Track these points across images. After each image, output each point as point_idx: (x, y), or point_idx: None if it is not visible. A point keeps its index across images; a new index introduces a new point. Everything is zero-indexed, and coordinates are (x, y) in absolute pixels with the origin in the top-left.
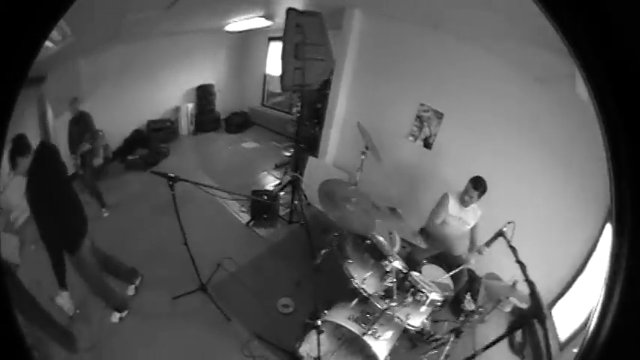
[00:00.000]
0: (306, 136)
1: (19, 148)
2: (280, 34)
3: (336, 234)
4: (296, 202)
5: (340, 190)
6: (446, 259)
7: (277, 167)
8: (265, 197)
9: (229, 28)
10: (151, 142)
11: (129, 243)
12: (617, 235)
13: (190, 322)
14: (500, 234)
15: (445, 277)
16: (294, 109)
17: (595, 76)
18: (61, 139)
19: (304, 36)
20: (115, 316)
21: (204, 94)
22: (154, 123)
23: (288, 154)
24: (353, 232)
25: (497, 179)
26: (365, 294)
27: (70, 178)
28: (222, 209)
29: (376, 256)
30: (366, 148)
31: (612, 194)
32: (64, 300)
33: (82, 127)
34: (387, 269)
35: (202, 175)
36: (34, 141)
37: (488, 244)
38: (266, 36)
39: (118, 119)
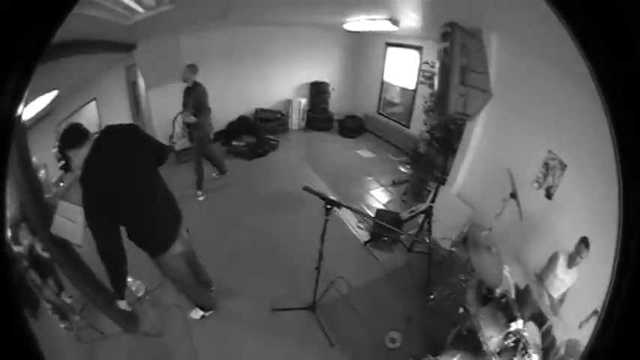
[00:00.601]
0: (430, 160)
1: (71, 139)
2: (399, 40)
3: (462, 277)
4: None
5: (480, 235)
6: None
7: (395, 184)
8: (391, 220)
9: (349, 26)
10: (260, 131)
11: (222, 237)
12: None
13: (285, 338)
14: None
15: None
16: (423, 131)
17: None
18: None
19: (469, 60)
20: (197, 313)
21: (317, 91)
22: (263, 112)
23: (404, 170)
24: (484, 281)
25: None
26: (485, 349)
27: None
28: (339, 221)
29: (507, 314)
30: (512, 195)
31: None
32: (131, 281)
33: (192, 98)
34: (511, 329)
35: (312, 176)
36: (122, 111)
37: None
38: (384, 40)
39: (223, 101)
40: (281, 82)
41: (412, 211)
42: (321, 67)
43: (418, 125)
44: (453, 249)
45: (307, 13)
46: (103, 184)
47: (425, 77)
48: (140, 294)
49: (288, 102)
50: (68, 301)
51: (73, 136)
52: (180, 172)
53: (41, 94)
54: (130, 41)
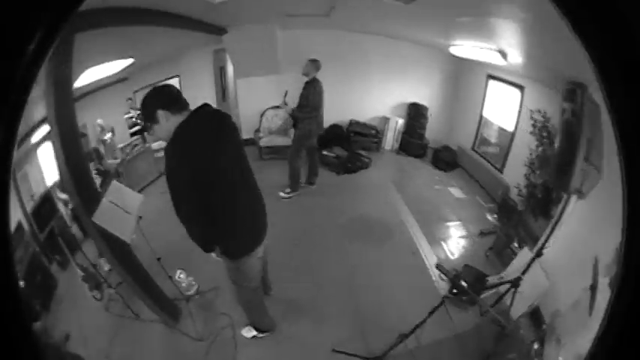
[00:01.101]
0: (523, 220)
1: (169, 100)
2: (501, 74)
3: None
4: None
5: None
6: None
7: (482, 235)
8: (475, 279)
9: (455, 50)
10: (352, 145)
11: (293, 251)
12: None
13: None
14: None
15: None
16: (521, 185)
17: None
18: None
19: (594, 132)
20: (250, 332)
21: (416, 113)
22: (358, 125)
23: (491, 219)
24: None
25: None
26: None
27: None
28: (422, 268)
29: None
30: (591, 287)
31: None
32: (183, 277)
33: (306, 93)
34: None
35: (402, 208)
36: (207, 94)
37: None
38: (485, 71)
39: None
40: (379, 96)
41: (501, 278)
42: (421, 88)
43: (511, 172)
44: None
45: (415, 27)
46: (198, 158)
47: (534, 127)
48: (190, 292)
49: (385, 119)
50: (106, 267)
51: (173, 97)
52: (261, 168)
53: (114, 59)
54: (220, 23)
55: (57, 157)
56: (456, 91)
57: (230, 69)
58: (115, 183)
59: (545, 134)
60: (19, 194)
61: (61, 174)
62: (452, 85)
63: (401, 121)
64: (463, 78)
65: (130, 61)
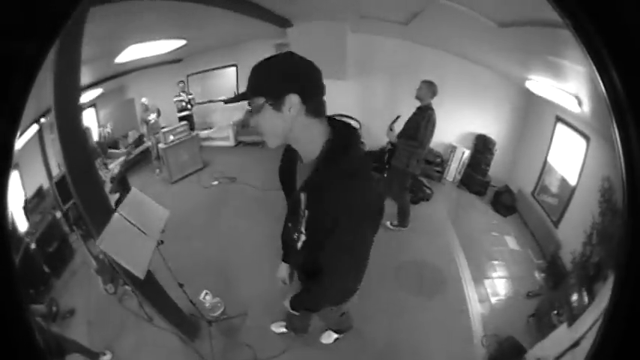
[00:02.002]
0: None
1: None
2: (570, 119)
3: None
4: None
5: None
6: None
7: (529, 297)
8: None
9: (531, 85)
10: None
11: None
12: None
13: None
14: None
15: None
16: (578, 253)
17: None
18: None
19: None
20: (330, 337)
21: (484, 147)
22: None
23: (539, 278)
24: None
25: None
26: None
27: None
28: (467, 331)
29: None
30: None
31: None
32: (209, 298)
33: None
34: None
35: (459, 254)
36: None
37: None
38: (554, 113)
39: (380, 120)
40: (448, 121)
41: None
42: (490, 120)
43: (567, 229)
44: None
45: (497, 53)
46: (373, 191)
47: (603, 196)
48: (215, 314)
49: (451, 148)
50: None
51: (318, 87)
52: None
53: (163, 38)
54: (286, 15)
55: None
56: (523, 129)
57: None
58: (135, 192)
59: (609, 206)
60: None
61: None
62: (519, 122)
63: (467, 153)
64: (532, 116)
65: (182, 42)
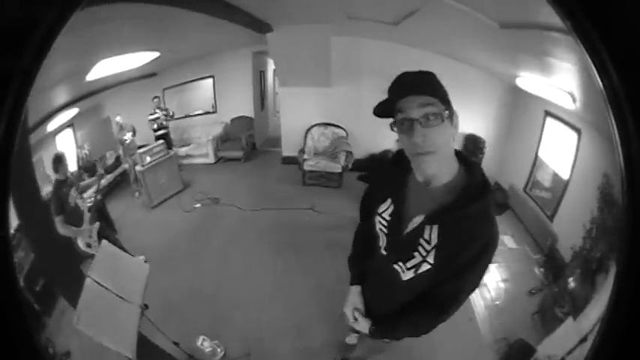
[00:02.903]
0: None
1: None
2: (559, 112)
3: None
4: None
5: None
6: None
7: (531, 294)
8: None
9: (521, 82)
10: None
11: None
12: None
13: None
14: None
15: None
16: (580, 247)
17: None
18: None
19: None
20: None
21: (474, 147)
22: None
23: (538, 273)
24: None
25: None
26: None
27: None
28: (476, 339)
29: None
30: None
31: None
32: (207, 344)
33: None
34: None
35: None
36: (243, 100)
37: None
38: (542, 107)
39: (371, 126)
40: None
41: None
42: (478, 118)
43: (562, 223)
44: None
45: (483, 51)
46: None
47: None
48: (216, 358)
49: None
50: None
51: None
52: (303, 194)
53: (134, 51)
54: (264, 17)
55: None
56: (512, 125)
57: (270, 75)
58: (105, 246)
59: (607, 200)
60: None
61: None
62: (507, 118)
63: None
64: (520, 112)
65: (155, 55)
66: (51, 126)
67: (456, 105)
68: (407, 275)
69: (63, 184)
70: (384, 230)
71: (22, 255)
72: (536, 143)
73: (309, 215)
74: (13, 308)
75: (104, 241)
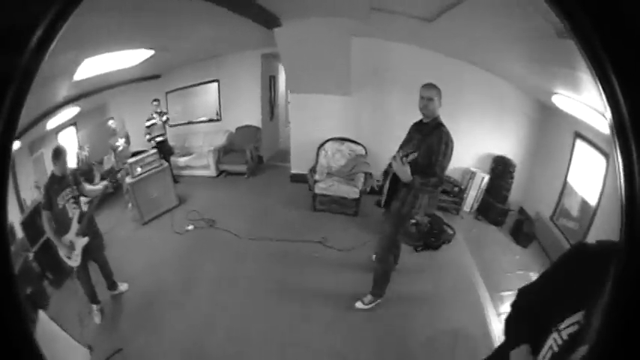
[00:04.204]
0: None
1: None
2: (590, 134)
3: None
4: None
5: None
6: None
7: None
8: None
9: (558, 100)
10: None
11: None
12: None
13: None
14: None
15: None
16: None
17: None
18: None
19: None
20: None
21: (504, 170)
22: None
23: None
24: None
25: None
26: None
27: None
28: None
29: None
30: None
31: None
32: None
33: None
34: None
35: (489, 309)
36: (250, 107)
37: None
38: (573, 128)
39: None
40: (465, 141)
41: None
42: (508, 139)
43: None
44: None
45: (521, 62)
46: None
47: None
48: None
49: (469, 174)
50: None
51: None
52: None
53: (125, 48)
54: (271, 8)
55: None
56: (541, 147)
57: (282, 81)
58: (45, 323)
59: None
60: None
61: None
62: (538, 139)
63: (487, 178)
64: (550, 132)
65: (149, 53)
66: (52, 123)
67: (485, 120)
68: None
69: (57, 181)
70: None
71: None
72: (566, 167)
73: (319, 250)
74: (13, 310)
75: (42, 314)
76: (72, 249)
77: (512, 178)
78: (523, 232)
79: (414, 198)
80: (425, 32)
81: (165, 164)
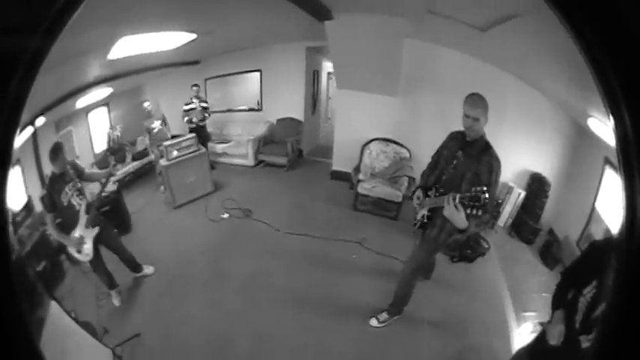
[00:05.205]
0: None
1: None
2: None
3: None
4: None
5: None
6: None
7: None
8: None
9: (592, 123)
10: None
11: None
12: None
13: None
14: None
15: None
16: None
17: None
18: None
19: None
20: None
21: (539, 189)
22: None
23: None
24: None
25: None
26: None
27: None
28: None
29: None
30: None
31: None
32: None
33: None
34: None
35: (515, 332)
36: (293, 99)
37: None
38: (603, 153)
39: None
40: (506, 156)
41: None
42: (544, 156)
43: None
44: None
45: (563, 81)
46: None
47: None
48: None
49: (507, 188)
50: None
51: None
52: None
53: (164, 29)
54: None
55: None
56: (574, 169)
57: (324, 77)
58: (56, 318)
59: None
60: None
61: None
62: (570, 161)
63: (522, 195)
64: (584, 155)
65: (191, 37)
66: (82, 102)
67: (526, 135)
68: None
69: (58, 179)
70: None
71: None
72: (595, 192)
73: (357, 252)
74: (13, 313)
75: (53, 303)
76: (82, 243)
77: (546, 197)
78: (551, 254)
79: (454, 226)
80: (477, 41)
81: (204, 149)
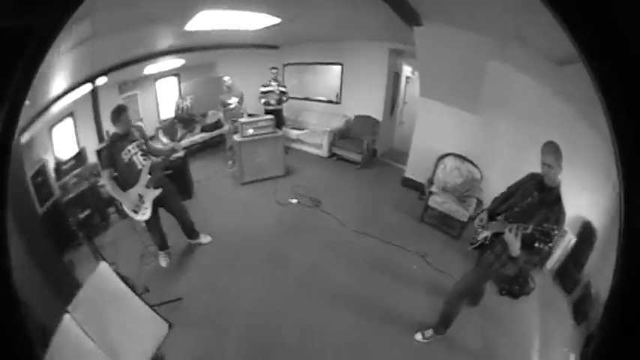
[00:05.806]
0: None
1: None
2: None
3: None
4: None
5: None
6: None
7: None
8: None
9: None
10: None
11: None
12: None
13: None
14: None
15: None
16: None
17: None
18: None
19: None
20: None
21: (588, 237)
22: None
23: None
24: None
25: None
26: None
27: None
28: None
29: None
30: None
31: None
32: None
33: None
34: None
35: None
36: (372, 100)
37: None
38: None
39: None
40: (566, 198)
41: None
42: (596, 205)
43: None
44: None
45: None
46: None
47: None
48: None
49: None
50: None
51: None
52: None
53: (241, 8)
54: (415, 3)
55: None
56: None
57: (403, 80)
58: (103, 272)
59: None
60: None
61: None
62: (614, 214)
63: (573, 241)
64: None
65: (275, 20)
66: (151, 69)
67: (585, 179)
68: None
69: (120, 138)
70: None
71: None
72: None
73: (418, 264)
74: (15, 323)
75: (102, 264)
76: (140, 202)
77: (592, 248)
78: (583, 309)
79: (507, 256)
80: (553, 74)
81: (280, 132)
